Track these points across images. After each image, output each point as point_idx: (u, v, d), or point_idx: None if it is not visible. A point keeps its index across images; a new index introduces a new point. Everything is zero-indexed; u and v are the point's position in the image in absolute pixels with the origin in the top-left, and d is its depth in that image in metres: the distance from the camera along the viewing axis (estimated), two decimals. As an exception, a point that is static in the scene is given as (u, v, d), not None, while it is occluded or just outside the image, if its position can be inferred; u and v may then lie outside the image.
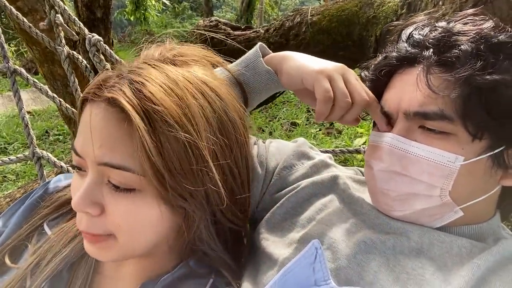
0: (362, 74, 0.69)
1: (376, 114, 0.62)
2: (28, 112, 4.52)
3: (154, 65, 0.53)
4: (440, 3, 1.35)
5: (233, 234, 0.64)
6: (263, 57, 0.69)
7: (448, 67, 0.54)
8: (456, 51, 0.54)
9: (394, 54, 0.61)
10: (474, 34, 0.55)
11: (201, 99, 0.52)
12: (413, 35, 0.60)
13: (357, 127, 3.45)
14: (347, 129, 3.52)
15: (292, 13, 2.04)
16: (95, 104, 0.50)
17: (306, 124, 3.75)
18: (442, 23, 0.59)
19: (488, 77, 0.51)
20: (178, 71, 0.53)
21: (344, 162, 2.99)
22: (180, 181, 0.50)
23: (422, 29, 0.60)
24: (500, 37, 0.54)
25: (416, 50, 0.58)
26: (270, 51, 0.72)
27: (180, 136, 0.48)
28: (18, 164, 3.55)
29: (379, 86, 0.64)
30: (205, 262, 0.63)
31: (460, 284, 0.50)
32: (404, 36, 0.62)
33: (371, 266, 0.55)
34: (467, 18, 0.58)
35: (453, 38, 0.55)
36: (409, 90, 0.57)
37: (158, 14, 9.55)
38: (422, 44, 0.58)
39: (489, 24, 0.56)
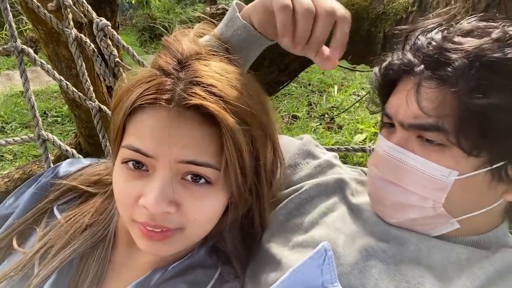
0: (374, 70, 0.68)
1: (338, 38, 0.55)
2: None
3: (202, 62, 0.55)
4: (452, 2, 1.34)
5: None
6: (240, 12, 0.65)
7: (441, 83, 0.53)
8: (449, 68, 0.52)
9: (396, 61, 0.60)
10: (471, 49, 0.51)
11: (250, 92, 0.56)
12: (416, 42, 0.58)
13: (358, 123, 3.45)
14: (348, 124, 3.52)
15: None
16: (161, 108, 0.52)
17: (306, 118, 3.74)
18: (438, 36, 0.56)
19: (476, 101, 0.50)
20: (222, 66, 0.56)
21: (344, 158, 3.00)
22: (252, 175, 0.56)
23: (426, 35, 0.58)
24: (496, 55, 0.50)
25: (415, 60, 0.57)
26: (245, 6, 0.67)
27: (253, 132, 0.54)
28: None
29: (386, 88, 0.64)
30: (215, 252, 0.64)
31: None
32: (409, 41, 0.61)
33: (373, 274, 0.56)
34: (473, 24, 0.55)
35: (446, 55, 0.52)
36: (404, 101, 0.56)
37: (161, -1, 9.41)
38: (417, 56, 0.56)
39: (494, 35, 0.52)
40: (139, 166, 0.54)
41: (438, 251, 0.56)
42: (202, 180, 0.54)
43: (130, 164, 0.54)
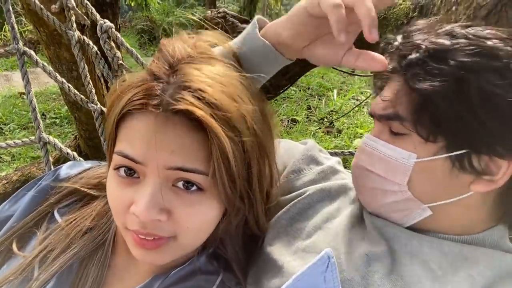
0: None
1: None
2: (23, 93, 4.46)
3: (192, 65, 0.53)
4: (453, 8, 1.35)
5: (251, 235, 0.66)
6: (261, 30, 0.65)
7: (398, 74, 0.58)
8: (404, 60, 0.56)
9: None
10: (421, 42, 0.55)
11: (246, 97, 0.54)
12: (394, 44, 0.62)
13: (357, 127, 3.45)
14: (347, 129, 3.53)
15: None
16: (150, 114, 0.51)
17: (306, 122, 3.75)
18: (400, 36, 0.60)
19: (421, 85, 0.53)
20: (216, 70, 0.54)
21: (344, 162, 2.99)
22: (243, 182, 0.54)
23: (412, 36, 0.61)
24: (443, 43, 0.54)
25: (391, 59, 0.60)
26: (268, 22, 0.66)
27: (245, 139, 0.52)
28: (13, 145, 3.49)
29: (378, 90, 0.67)
30: (216, 258, 0.64)
31: None
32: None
33: (375, 279, 0.56)
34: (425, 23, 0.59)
35: (404, 50, 0.57)
36: (383, 95, 0.61)
37: (160, 2, 9.43)
38: (392, 56, 0.60)
39: (443, 30, 0.56)
40: (130, 173, 0.53)
41: (427, 244, 0.58)
42: (194, 187, 0.52)
43: (122, 171, 0.53)
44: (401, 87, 0.57)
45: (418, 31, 0.59)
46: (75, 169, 0.73)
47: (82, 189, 0.68)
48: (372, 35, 0.52)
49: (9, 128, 3.99)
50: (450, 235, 0.59)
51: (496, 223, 0.60)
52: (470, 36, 0.54)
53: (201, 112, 0.49)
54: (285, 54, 0.64)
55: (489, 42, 0.53)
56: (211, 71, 0.53)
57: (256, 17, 0.66)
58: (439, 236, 0.59)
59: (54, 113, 4.34)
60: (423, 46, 0.55)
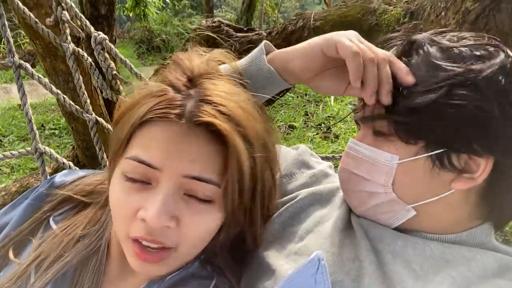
0: None
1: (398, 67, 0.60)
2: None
3: (211, 81, 0.57)
4: (443, 13, 1.37)
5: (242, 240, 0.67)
6: (267, 54, 0.69)
7: None
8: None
9: None
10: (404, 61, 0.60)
11: (256, 114, 0.58)
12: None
13: (354, 132, 3.47)
14: (344, 134, 3.54)
15: (295, 17, 2.05)
16: (172, 123, 0.53)
17: (303, 128, 3.76)
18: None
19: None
20: (231, 87, 0.58)
21: (341, 167, 3.00)
22: (249, 196, 0.57)
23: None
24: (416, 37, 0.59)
25: None
26: (275, 49, 0.72)
27: (256, 154, 0.55)
28: (13, 157, 3.51)
29: None
30: (209, 263, 0.65)
31: None
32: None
33: (364, 282, 0.57)
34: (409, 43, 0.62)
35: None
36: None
37: (158, 12, 9.51)
38: None
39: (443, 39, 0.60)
40: (141, 178, 0.54)
41: (412, 244, 0.59)
42: (204, 198, 0.54)
43: (132, 176, 0.54)
44: None
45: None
46: (70, 176, 0.74)
47: (76, 196, 0.69)
48: (387, 99, 0.59)
49: (8, 140, 4.01)
50: (435, 234, 0.60)
51: (482, 222, 0.60)
52: (442, 46, 0.58)
53: (224, 125, 0.51)
54: (289, 81, 0.69)
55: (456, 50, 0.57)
56: (228, 88, 0.57)
57: (263, 42, 0.70)
58: (424, 236, 0.60)
59: (53, 124, 4.36)
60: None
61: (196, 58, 0.60)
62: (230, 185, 0.53)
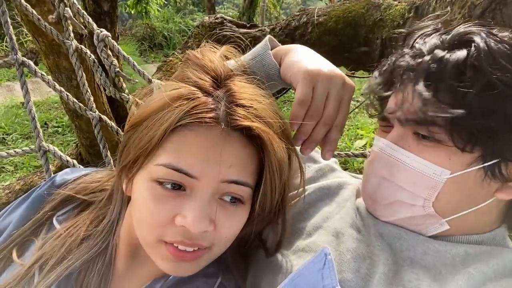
0: (374, 73, 0.69)
1: (332, 141, 0.62)
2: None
3: (236, 82, 0.57)
4: (448, 8, 1.35)
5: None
6: (271, 49, 0.68)
7: (435, 83, 0.54)
8: (441, 76, 0.54)
9: (396, 63, 0.61)
10: (460, 58, 0.52)
11: (280, 113, 0.58)
12: (414, 45, 0.60)
13: (358, 128, 3.45)
14: (348, 130, 3.53)
15: (298, 13, 2.04)
16: (209, 128, 0.52)
17: (306, 124, 3.75)
18: (434, 40, 0.58)
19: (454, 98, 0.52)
20: (254, 88, 0.58)
21: (344, 164, 2.99)
22: (278, 194, 0.57)
23: (425, 38, 0.59)
24: (478, 63, 0.51)
25: (413, 62, 0.58)
26: (279, 44, 0.70)
27: (290, 152, 0.58)
28: (16, 155, 3.52)
29: (385, 90, 0.65)
30: (216, 260, 0.64)
31: None
32: (407, 44, 0.62)
33: (373, 282, 0.56)
34: (462, 35, 0.56)
35: (440, 65, 0.54)
36: (406, 98, 0.57)
37: (160, 9, 9.49)
38: (416, 58, 0.58)
39: (479, 43, 0.53)
40: (175, 186, 0.53)
41: (432, 253, 0.57)
42: (237, 199, 0.55)
43: (166, 184, 0.52)
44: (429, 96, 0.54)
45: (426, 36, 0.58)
46: (72, 175, 0.73)
47: (77, 195, 0.69)
48: (327, 158, 0.62)
49: (11, 138, 4.01)
50: (460, 235, 0.59)
51: (500, 225, 0.60)
52: (492, 44, 0.52)
53: (263, 129, 0.52)
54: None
55: None
56: (251, 88, 0.57)
57: (267, 36, 0.70)
58: (448, 239, 0.59)
59: (57, 122, 4.37)
60: (444, 60, 0.53)
61: (214, 57, 0.59)
62: (267, 187, 0.55)
